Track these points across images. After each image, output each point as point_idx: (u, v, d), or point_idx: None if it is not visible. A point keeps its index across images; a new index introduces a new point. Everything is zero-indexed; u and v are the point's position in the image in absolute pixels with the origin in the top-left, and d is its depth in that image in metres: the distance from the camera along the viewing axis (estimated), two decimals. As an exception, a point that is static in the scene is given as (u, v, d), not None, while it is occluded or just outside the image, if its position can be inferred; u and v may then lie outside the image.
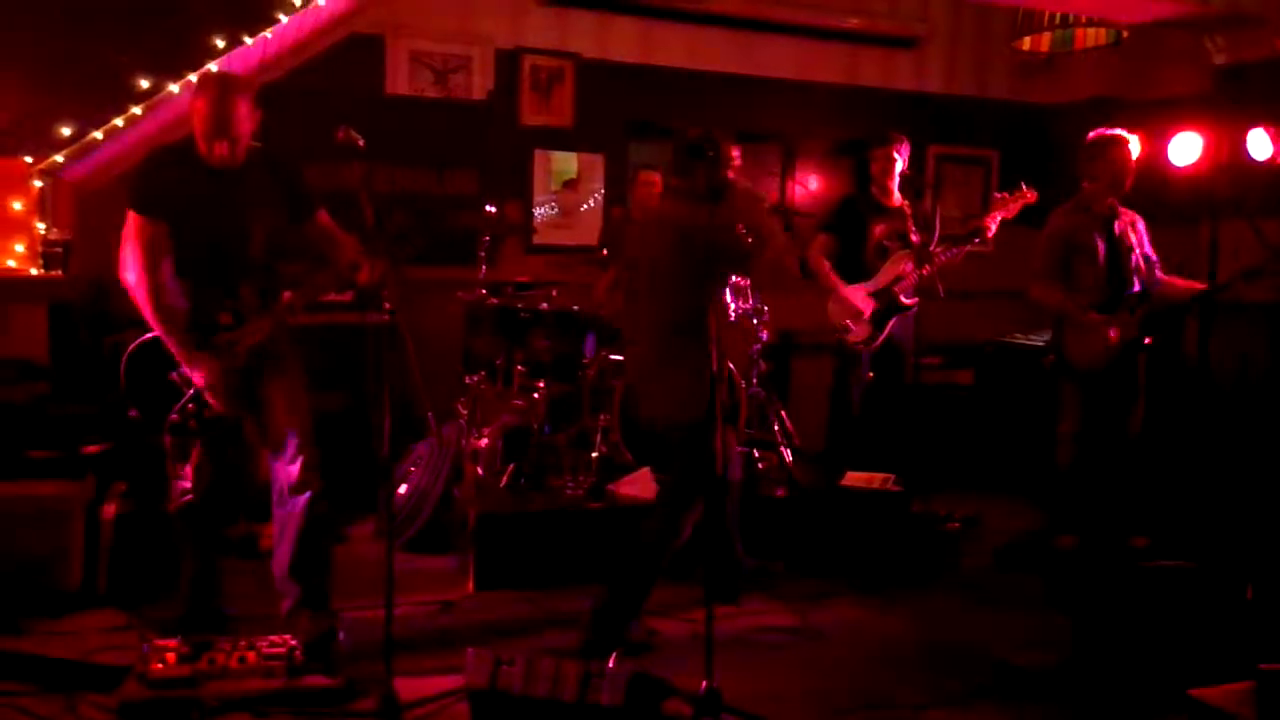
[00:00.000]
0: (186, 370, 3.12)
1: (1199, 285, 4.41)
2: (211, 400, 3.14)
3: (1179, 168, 5.55)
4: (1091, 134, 4.45)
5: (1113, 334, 4.25)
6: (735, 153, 3.58)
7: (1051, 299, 4.41)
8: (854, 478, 4.71)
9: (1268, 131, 5.38)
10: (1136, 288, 4.36)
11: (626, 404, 4.37)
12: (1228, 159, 5.55)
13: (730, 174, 3.55)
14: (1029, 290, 4.51)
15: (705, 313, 3.31)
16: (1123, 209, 4.46)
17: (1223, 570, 3.58)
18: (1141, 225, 4.50)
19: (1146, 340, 4.34)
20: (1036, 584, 4.23)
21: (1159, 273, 4.51)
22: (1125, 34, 5.27)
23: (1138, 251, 4.43)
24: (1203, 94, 6.16)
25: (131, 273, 3.13)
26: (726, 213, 3.42)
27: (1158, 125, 5.84)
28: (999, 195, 4.91)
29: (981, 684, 3.26)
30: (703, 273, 3.43)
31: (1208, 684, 2.12)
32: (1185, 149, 5.51)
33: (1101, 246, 4.36)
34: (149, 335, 3.17)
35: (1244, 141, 5.48)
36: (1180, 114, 5.98)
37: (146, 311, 3.13)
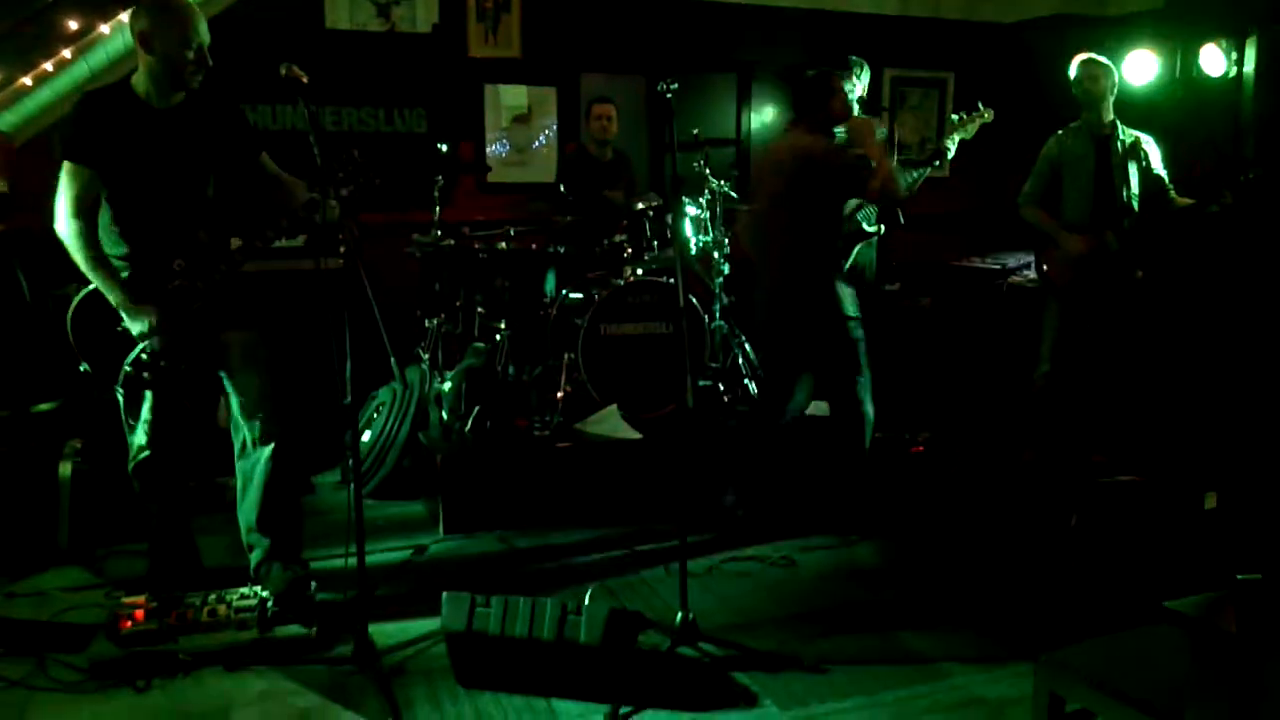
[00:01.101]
0: (125, 320, 3.02)
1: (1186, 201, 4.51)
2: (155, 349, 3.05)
3: (1134, 86, 5.59)
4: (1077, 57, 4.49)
5: (1080, 246, 4.34)
6: (844, 86, 4.00)
7: (1034, 217, 4.63)
8: (819, 406, 4.74)
9: (1219, 47, 5.42)
10: (1126, 205, 4.40)
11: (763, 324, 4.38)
12: (1181, 76, 5.60)
13: (842, 107, 3.95)
14: (1020, 210, 4.72)
15: (826, 234, 3.95)
16: (1130, 130, 4.51)
17: (1177, 483, 3.67)
18: (1150, 145, 4.52)
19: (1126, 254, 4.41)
20: (1001, 501, 4.31)
21: (1171, 194, 4.54)
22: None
23: (1141, 172, 4.46)
24: (1156, 10, 6.15)
25: (61, 222, 3.01)
26: (839, 144, 4.02)
27: (1113, 43, 5.84)
28: (956, 117, 4.89)
29: (952, 604, 3.33)
30: (822, 197, 3.88)
31: (1173, 594, 2.16)
32: (1138, 68, 5.53)
33: (1092, 167, 4.44)
34: (92, 287, 3.07)
35: (1196, 58, 5.52)
36: (1135, 31, 5.99)
37: (79, 261, 3.01)
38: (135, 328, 3.00)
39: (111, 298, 3.01)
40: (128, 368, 3.08)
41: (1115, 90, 4.49)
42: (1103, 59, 4.48)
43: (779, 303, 4.02)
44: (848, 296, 3.98)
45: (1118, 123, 4.50)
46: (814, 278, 3.92)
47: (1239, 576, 1.41)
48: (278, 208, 3.22)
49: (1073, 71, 4.50)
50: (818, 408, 4.62)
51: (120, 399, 3.22)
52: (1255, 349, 4.62)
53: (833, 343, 3.93)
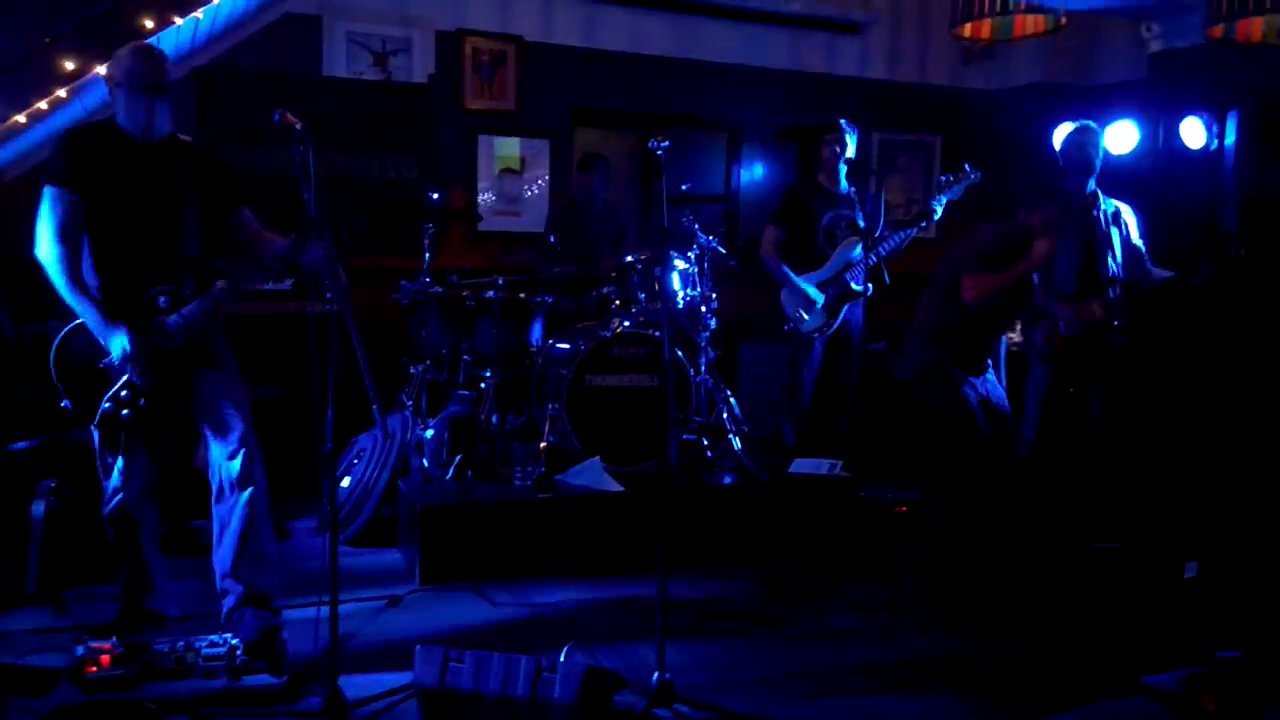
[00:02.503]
0: (103, 342, 3.00)
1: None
2: (134, 377, 3.03)
3: (1115, 155, 5.68)
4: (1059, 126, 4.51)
5: (1070, 318, 4.35)
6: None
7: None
8: (802, 464, 4.74)
9: (1200, 120, 5.53)
10: (1113, 276, 4.42)
11: None
12: (1163, 147, 5.69)
13: None
14: None
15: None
16: (1110, 199, 4.52)
17: (1158, 553, 3.67)
18: (1128, 215, 4.54)
19: (1115, 323, 4.41)
20: (984, 567, 4.29)
21: (1148, 264, 4.55)
22: (1064, 21, 5.34)
23: (1122, 241, 4.48)
24: (1139, 81, 6.28)
25: (44, 247, 3.01)
26: None
27: (1096, 111, 5.94)
28: (944, 179, 4.95)
29: (934, 669, 3.29)
30: None
31: (1152, 666, 2.14)
32: (1121, 138, 5.63)
33: (1079, 236, 4.42)
34: (77, 322, 3.05)
35: (1179, 130, 5.62)
36: (1118, 100, 6.11)
37: (58, 283, 3.00)
38: (114, 348, 2.99)
39: (88, 319, 3.01)
40: (106, 404, 3.05)
41: (1101, 158, 4.52)
42: (1094, 125, 4.52)
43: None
44: None
45: (1099, 191, 4.51)
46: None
47: (1218, 654, 1.40)
48: (254, 261, 3.23)
49: (1064, 138, 4.51)
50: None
51: (95, 439, 3.19)
52: (1237, 423, 4.64)
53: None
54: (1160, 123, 5.75)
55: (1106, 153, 4.61)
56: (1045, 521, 4.40)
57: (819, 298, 4.92)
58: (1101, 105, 6.06)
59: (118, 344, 2.99)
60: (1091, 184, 4.48)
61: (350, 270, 3.23)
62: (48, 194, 3.04)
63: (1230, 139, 5.56)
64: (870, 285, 4.95)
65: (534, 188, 6.37)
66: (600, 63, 6.43)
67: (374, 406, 2.91)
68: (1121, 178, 5.84)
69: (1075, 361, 4.46)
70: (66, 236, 3.02)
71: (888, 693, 3.10)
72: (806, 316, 4.98)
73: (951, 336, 4.19)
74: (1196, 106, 5.55)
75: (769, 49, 6.82)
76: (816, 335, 5.01)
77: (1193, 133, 5.59)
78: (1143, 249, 4.53)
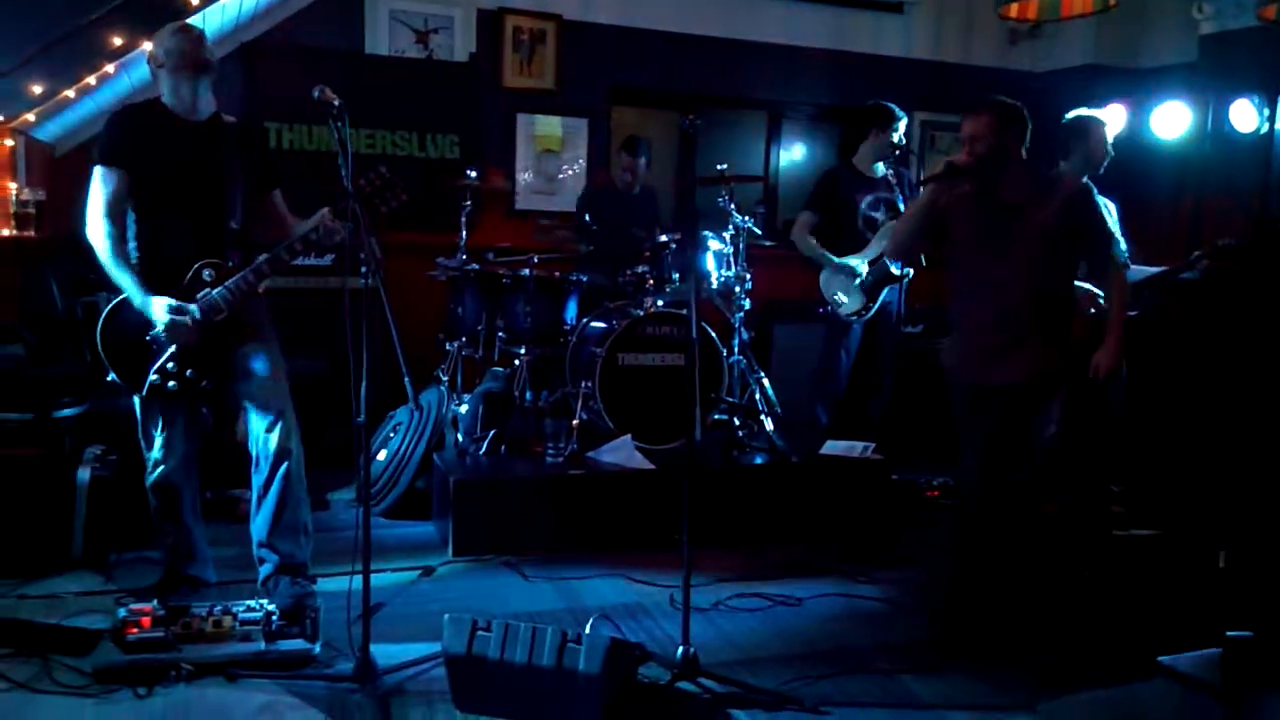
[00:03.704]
0: (145, 314, 3.08)
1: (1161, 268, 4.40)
2: (176, 344, 3.11)
3: (1162, 139, 5.57)
4: (1069, 114, 4.36)
5: (1093, 308, 4.21)
6: None
7: None
8: (834, 446, 4.74)
9: (1251, 103, 5.39)
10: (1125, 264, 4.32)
11: None
12: (1212, 131, 5.57)
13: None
14: None
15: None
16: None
17: (1194, 538, 3.62)
18: (1114, 208, 4.43)
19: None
20: (1015, 550, 4.27)
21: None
22: (1113, 2, 5.24)
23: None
24: (1189, 63, 6.14)
25: (93, 224, 3.11)
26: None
27: (1144, 94, 5.83)
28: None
29: (955, 649, 3.29)
30: None
31: (1176, 650, 2.14)
32: (1169, 121, 5.51)
33: None
34: (122, 297, 3.13)
35: (1227, 113, 5.49)
36: (1167, 83, 5.98)
37: (104, 260, 3.10)
38: (158, 319, 3.07)
39: (130, 293, 3.10)
40: (154, 377, 3.14)
41: None
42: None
43: None
44: None
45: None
46: None
47: (1229, 634, 1.40)
48: (275, 244, 3.28)
49: (1114, 126, 4.35)
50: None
51: (138, 410, 3.28)
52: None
53: None
54: (1210, 105, 5.63)
55: (1153, 135, 4.50)
56: (1081, 509, 4.35)
57: (862, 272, 4.91)
58: (1150, 88, 5.95)
59: (160, 313, 3.07)
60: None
61: (388, 246, 3.28)
62: (96, 173, 3.13)
63: (1282, 123, 5.44)
64: (910, 269, 4.92)
65: (572, 168, 6.39)
66: (640, 41, 6.41)
67: (405, 380, 2.95)
68: (1169, 161, 5.74)
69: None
70: (112, 214, 3.12)
71: (907, 672, 3.11)
72: (846, 299, 4.96)
73: None
74: (1247, 89, 5.42)
75: (811, 28, 6.76)
76: (855, 319, 4.99)
77: (1243, 115, 5.47)
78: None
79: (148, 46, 3.26)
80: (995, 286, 3.28)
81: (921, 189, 4.13)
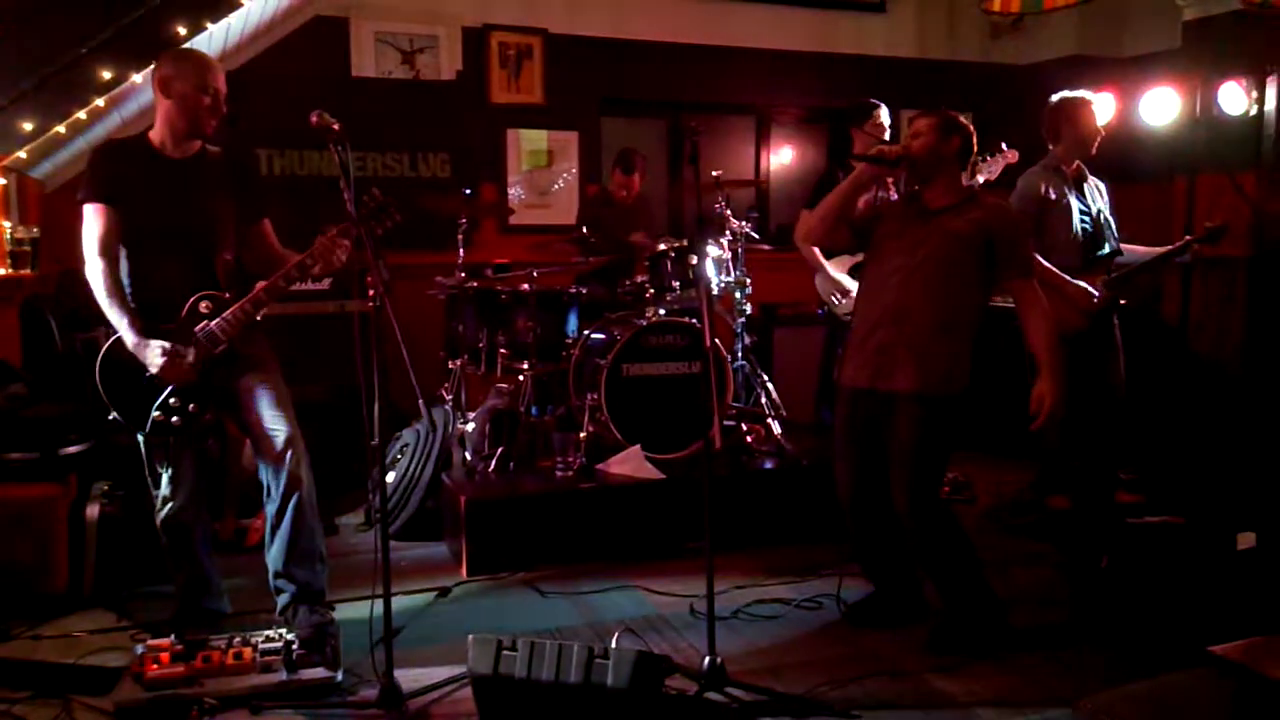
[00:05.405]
0: (140, 358, 3.05)
1: (1157, 250, 4.39)
2: (175, 384, 3.08)
3: (1152, 125, 5.58)
4: (1055, 95, 4.36)
5: (1097, 295, 4.19)
6: None
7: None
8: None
9: (1239, 85, 5.42)
10: (1107, 248, 4.31)
11: None
12: (1200, 114, 5.59)
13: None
14: None
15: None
16: (1088, 173, 4.38)
17: (1210, 524, 3.62)
18: (1104, 189, 4.43)
19: (1121, 300, 4.32)
20: (1029, 545, 4.27)
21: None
22: (1094, -9, 5.27)
23: (1103, 215, 4.38)
24: (1173, 50, 6.17)
25: (89, 263, 3.08)
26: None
27: (1130, 83, 5.86)
28: (981, 158, 4.89)
29: (981, 646, 3.27)
30: None
31: (1208, 637, 2.12)
32: (1158, 106, 5.53)
33: (1075, 206, 4.25)
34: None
35: (1215, 96, 5.51)
36: (1152, 71, 6.01)
37: (100, 298, 3.07)
38: (152, 364, 3.04)
39: (125, 336, 3.07)
40: (156, 413, 3.11)
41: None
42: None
43: None
44: None
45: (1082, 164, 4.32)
46: None
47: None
48: (267, 273, 3.25)
49: (1102, 111, 4.33)
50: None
51: (143, 447, 3.24)
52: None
53: None
54: (1197, 90, 5.65)
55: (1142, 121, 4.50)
56: (1091, 498, 4.35)
57: (852, 286, 4.89)
58: (1136, 75, 5.98)
59: (154, 358, 3.04)
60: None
61: (388, 267, 3.26)
62: (85, 211, 3.11)
63: (1270, 104, 5.46)
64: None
65: (562, 180, 6.38)
66: (626, 52, 6.42)
67: (420, 400, 2.93)
68: (1159, 147, 5.76)
69: (1093, 335, 4.28)
70: (107, 251, 3.09)
71: (935, 672, 3.10)
72: (842, 300, 4.96)
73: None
74: (1234, 72, 5.44)
75: (795, 31, 6.79)
76: (851, 318, 4.98)
77: (1232, 98, 5.49)
78: (1113, 225, 4.37)
79: (138, 77, 3.24)
80: (894, 284, 3.27)
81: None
